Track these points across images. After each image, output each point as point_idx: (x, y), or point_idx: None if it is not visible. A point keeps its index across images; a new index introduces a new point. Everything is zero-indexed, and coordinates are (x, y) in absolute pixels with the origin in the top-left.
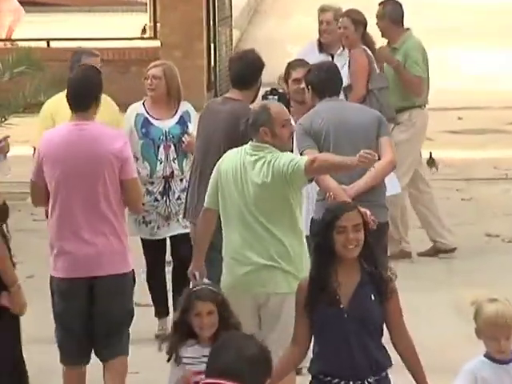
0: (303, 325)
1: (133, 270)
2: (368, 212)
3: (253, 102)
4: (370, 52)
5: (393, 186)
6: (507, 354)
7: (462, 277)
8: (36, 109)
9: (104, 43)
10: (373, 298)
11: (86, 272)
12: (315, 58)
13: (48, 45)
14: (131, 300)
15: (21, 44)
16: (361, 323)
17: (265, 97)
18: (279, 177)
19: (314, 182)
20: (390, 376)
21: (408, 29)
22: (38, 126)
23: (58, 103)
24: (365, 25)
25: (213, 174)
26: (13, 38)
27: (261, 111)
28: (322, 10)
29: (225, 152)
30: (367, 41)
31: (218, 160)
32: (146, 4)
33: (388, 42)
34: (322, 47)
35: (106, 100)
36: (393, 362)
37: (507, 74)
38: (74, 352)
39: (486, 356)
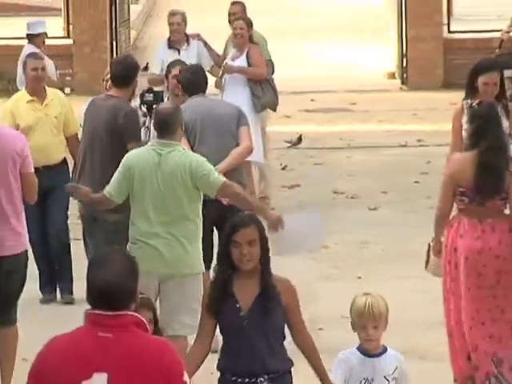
0: (208, 324)
1: (26, 250)
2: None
3: (130, 98)
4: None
5: (258, 155)
6: (376, 347)
7: None
8: None
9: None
10: (271, 306)
11: None
12: (166, 53)
13: None
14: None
15: None
16: (260, 330)
17: (142, 94)
18: (192, 177)
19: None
20: (292, 374)
21: None
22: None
23: (17, 102)
24: (252, 26)
25: (119, 171)
26: None
27: (177, 113)
28: (172, 13)
29: (106, 138)
30: (251, 39)
31: (100, 145)
32: (61, 9)
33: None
34: (170, 44)
35: (56, 94)
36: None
37: (350, 64)
38: None
39: (358, 348)
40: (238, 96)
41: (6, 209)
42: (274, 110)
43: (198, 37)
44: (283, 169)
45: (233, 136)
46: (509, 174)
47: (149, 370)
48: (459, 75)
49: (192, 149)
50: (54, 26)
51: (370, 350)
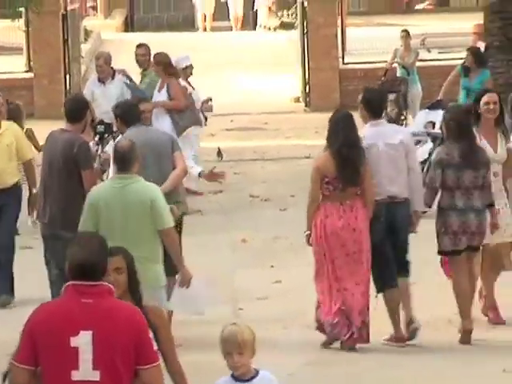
0: None
1: None
2: (174, 206)
3: (83, 131)
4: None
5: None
6: (245, 372)
7: (234, 224)
8: None
9: None
10: (156, 347)
11: None
12: (96, 85)
13: None
14: None
15: None
16: None
17: (95, 126)
18: (151, 206)
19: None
20: None
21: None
22: None
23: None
24: (167, 63)
25: (85, 209)
26: None
27: (134, 149)
28: (97, 57)
29: (63, 167)
30: (174, 73)
31: (58, 172)
32: (23, 49)
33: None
34: (99, 79)
35: (10, 125)
36: None
37: (263, 91)
38: None
39: (232, 374)
40: (161, 124)
41: None
42: (201, 125)
43: (122, 72)
44: None
45: (169, 161)
46: (362, 166)
47: (124, 327)
48: (352, 98)
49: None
50: (17, 63)
51: (240, 376)
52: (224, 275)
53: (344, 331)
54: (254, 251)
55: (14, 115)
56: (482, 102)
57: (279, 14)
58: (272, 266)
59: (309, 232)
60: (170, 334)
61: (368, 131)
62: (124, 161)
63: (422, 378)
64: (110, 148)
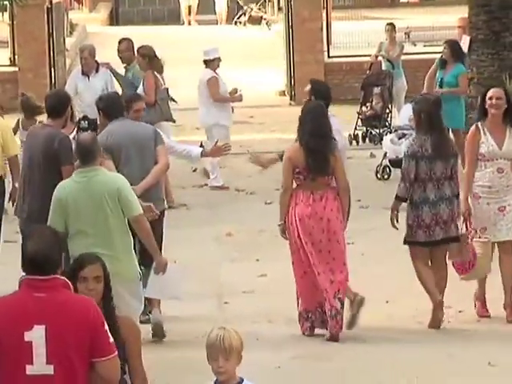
0: None
1: None
2: (152, 204)
3: (64, 127)
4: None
5: None
6: (228, 379)
7: (220, 217)
8: None
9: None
10: (111, 340)
11: None
12: (79, 78)
13: None
14: None
15: None
16: None
17: (78, 122)
18: (119, 195)
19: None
20: None
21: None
22: None
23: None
24: (152, 56)
25: (53, 204)
26: None
27: (96, 141)
28: (81, 50)
29: (43, 162)
30: (157, 66)
31: (38, 167)
32: (7, 42)
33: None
34: (83, 72)
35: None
36: None
37: (248, 84)
38: None
39: (215, 381)
40: None
41: None
42: (173, 121)
43: (107, 65)
44: (194, 171)
45: (152, 155)
46: (332, 156)
47: (78, 321)
48: (337, 92)
49: (117, 169)
50: (2, 56)
51: (224, 382)
52: (209, 269)
53: (308, 324)
54: (240, 245)
55: (26, 107)
56: (486, 97)
57: (247, 8)
58: (257, 260)
59: (282, 222)
60: (139, 346)
61: (333, 123)
62: (87, 154)
63: (405, 365)
64: None
